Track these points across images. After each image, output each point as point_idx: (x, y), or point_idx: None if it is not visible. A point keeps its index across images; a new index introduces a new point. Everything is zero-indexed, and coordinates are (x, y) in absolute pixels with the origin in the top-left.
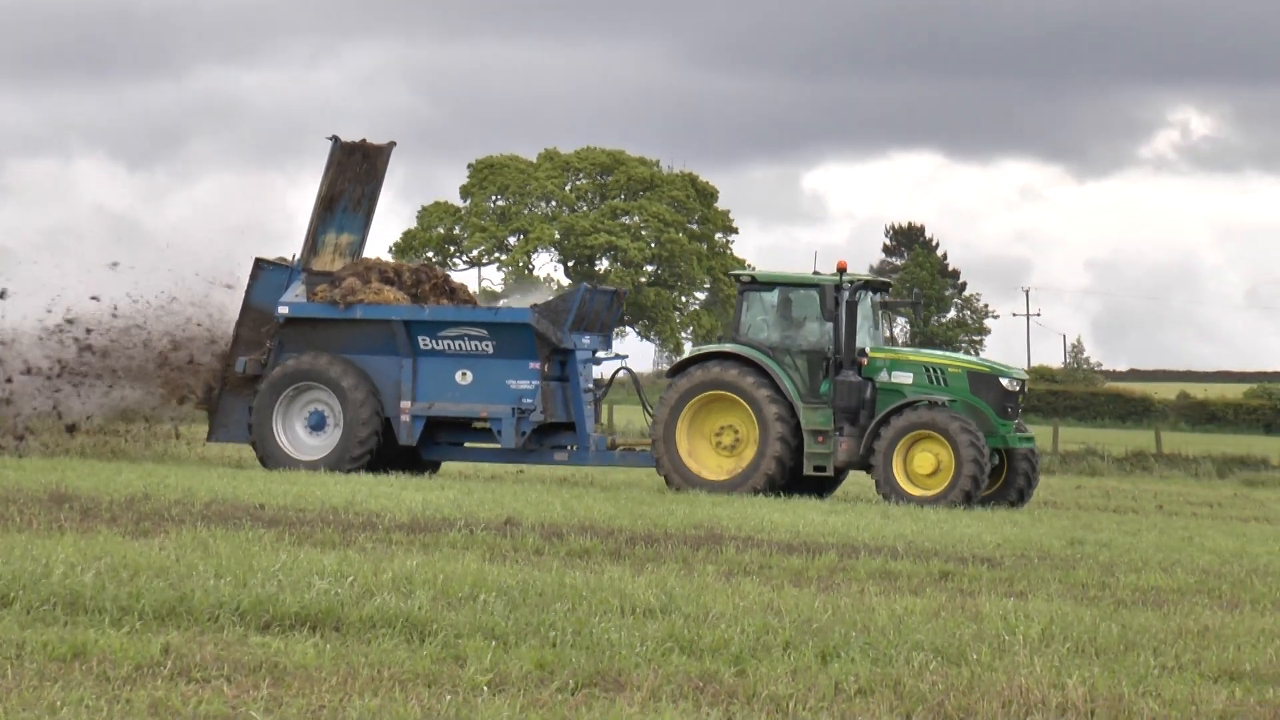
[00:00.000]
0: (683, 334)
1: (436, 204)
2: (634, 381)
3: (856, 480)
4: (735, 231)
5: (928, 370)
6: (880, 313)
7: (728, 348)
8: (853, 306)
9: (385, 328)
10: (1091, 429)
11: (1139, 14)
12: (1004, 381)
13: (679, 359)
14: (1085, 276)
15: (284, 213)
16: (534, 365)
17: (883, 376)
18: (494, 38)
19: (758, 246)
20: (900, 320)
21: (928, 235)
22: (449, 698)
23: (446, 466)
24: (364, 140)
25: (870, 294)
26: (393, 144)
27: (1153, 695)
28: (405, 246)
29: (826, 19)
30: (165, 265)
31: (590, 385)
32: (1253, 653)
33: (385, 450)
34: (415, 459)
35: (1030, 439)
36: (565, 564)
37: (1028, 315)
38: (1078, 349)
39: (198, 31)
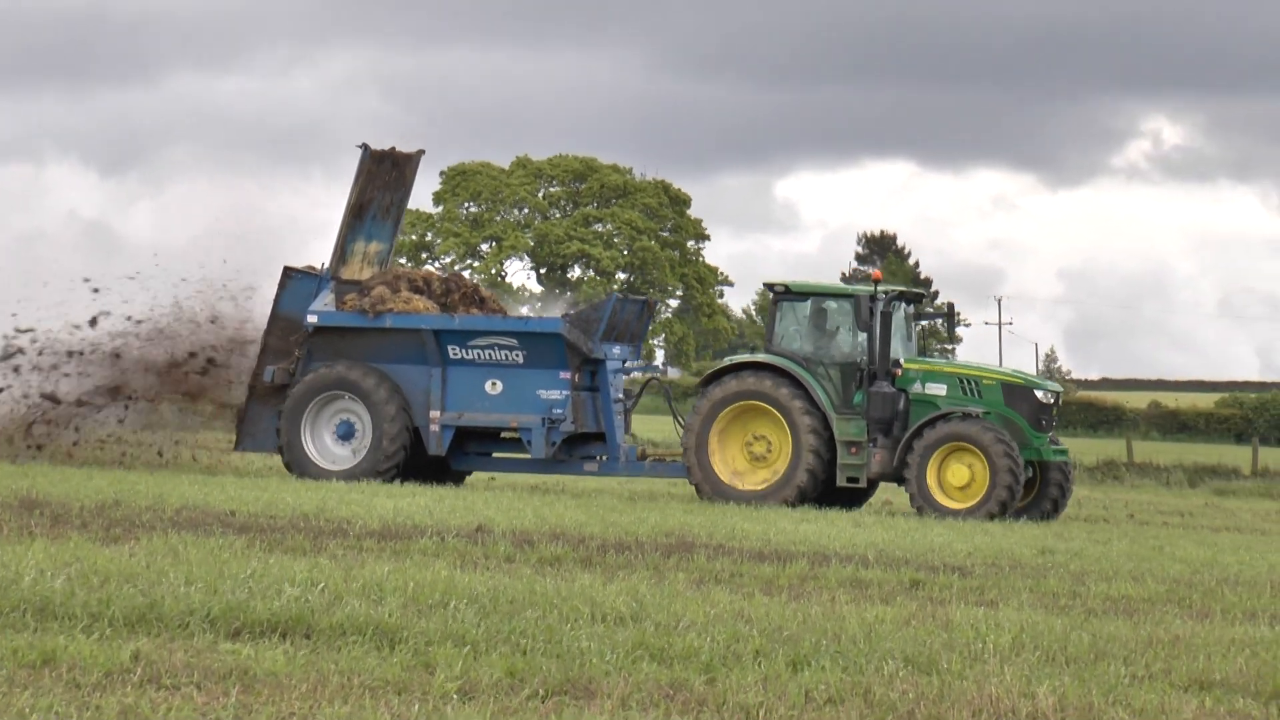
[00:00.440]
0: (654, 341)
1: (409, 210)
2: (665, 392)
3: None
4: (707, 239)
5: (961, 382)
6: (912, 324)
7: (761, 358)
8: (887, 317)
9: (415, 337)
10: (1063, 438)
11: (1111, 24)
12: (1038, 394)
13: (711, 369)
14: (1057, 285)
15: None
16: (564, 375)
17: (916, 388)
18: (467, 45)
19: (730, 254)
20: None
21: (900, 244)
22: (419, 705)
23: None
24: (393, 148)
25: (904, 304)
26: (422, 151)
27: (1123, 704)
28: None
29: (800, 27)
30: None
31: (620, 395)
32: (1223, 662)
33: (414, 460)
34: (444, 469)
35: (1064, 451)
36: (536, 571)
37: (1000, 324)
38: (1050, 358)
39: (173, 38)
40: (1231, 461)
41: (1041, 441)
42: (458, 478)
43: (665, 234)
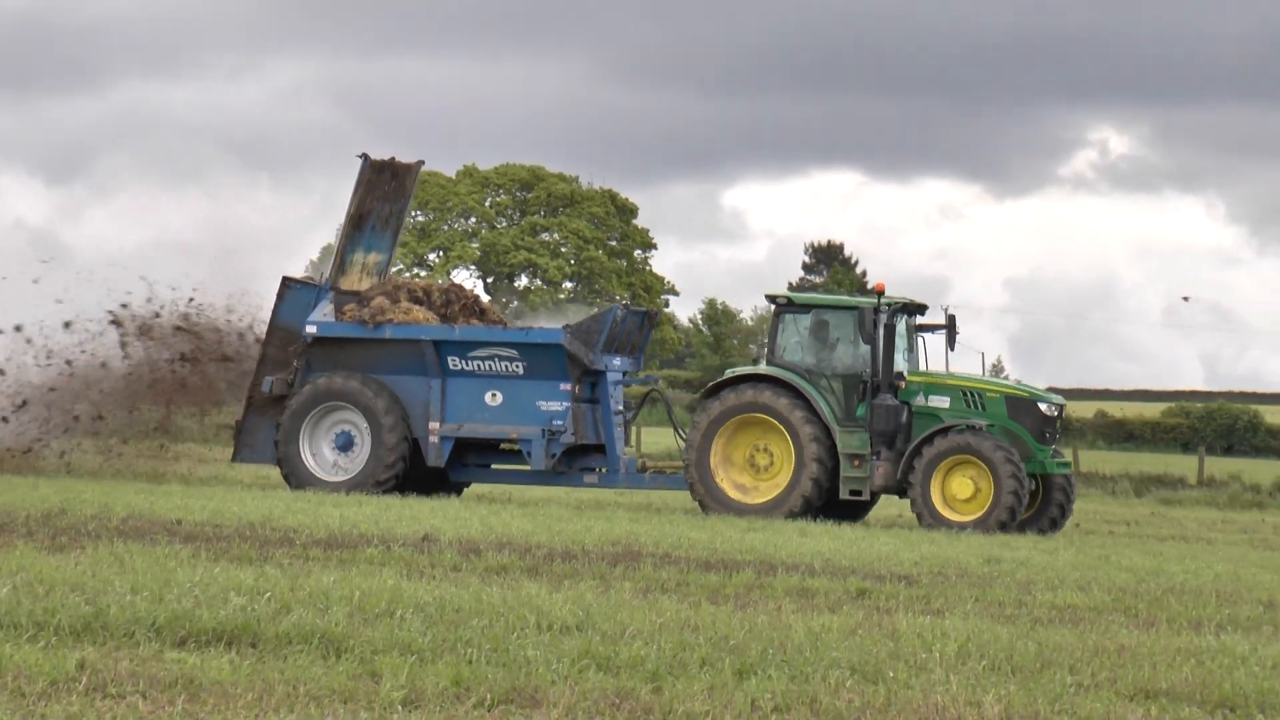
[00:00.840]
0: None
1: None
2: (665, 404)
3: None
4: (654, 248)
5: (965, 394)
6: (914, 335)
7: (763, 370)
8: (891, 329)
9: (414, 348)
10: None
11: (1058, 34)
12: (1042, 407)
13: (713, 381)
14: (1004, 295)
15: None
16: (565, 386)
17: (919, 400)
18: (414, 53)
19: (677, 264)
20: None
21: (847, 253)
22: (365, 714)
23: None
24: (393, 158)
25: (905, 316)
26: (421, 162)
27: (1069, 713)
28: (324, 261)
29: (748, 37)
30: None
31: (620, 407)
32: (1168, 671)
33: (412, 472)
34: (443, 481)
35: (1067, 464)
36: (482, 580)
37: (947, 332)
38: (996, 367)
39: (120, 45)
40: (1178, 471)
41: (1045, 454)
42: (456, 489)
43: (612, 243)
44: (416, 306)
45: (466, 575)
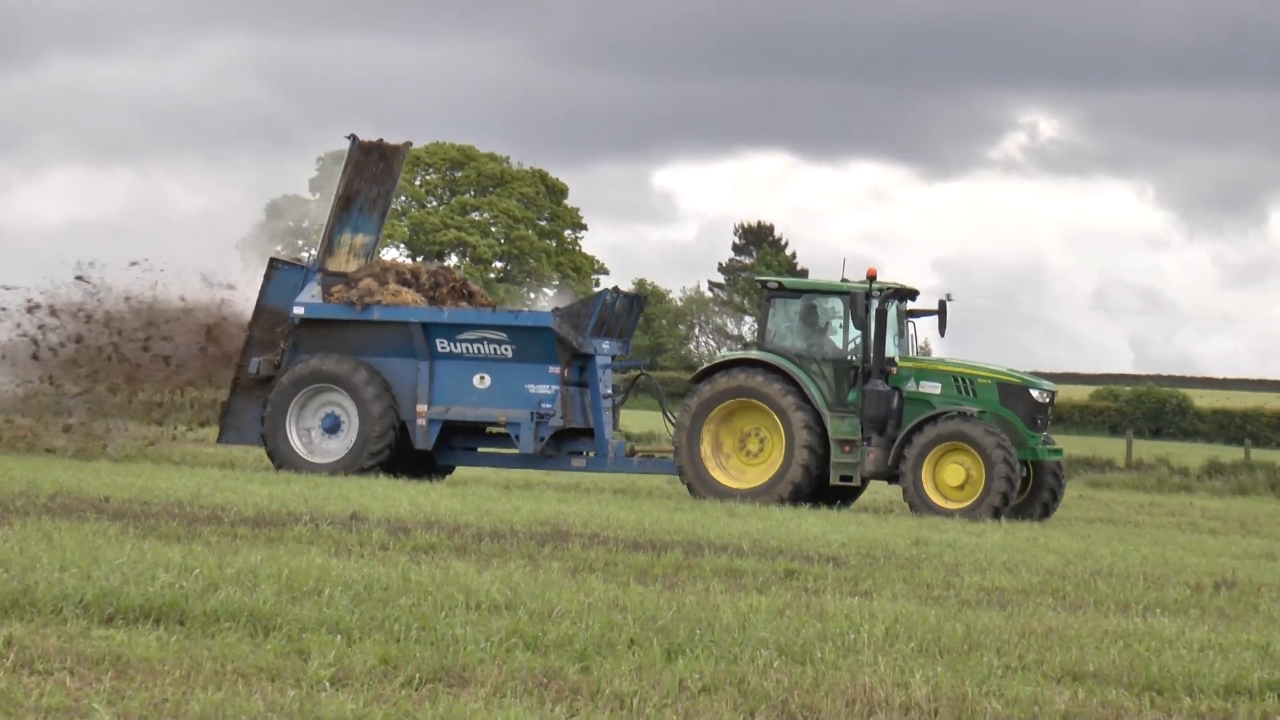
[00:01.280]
0: None
1: (286, 197)
2: (654, 388)
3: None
4: (584, 228)
5: (956, 380)
6: (905, 321)
7: (753, 354)
8: (882, 315)
9: (403, 330)
10: None
11: (989, 17)
12: (1034, 393)
13: (703, 366)
14: (933, 277)
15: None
16: (554, 370)
17: (910, 386)
18: (345, 32)
19: (607, 244)
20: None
21: (777, 234)
22: (292, 692)
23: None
24: (381, 140)
25: (896, 302)
26: (409, 144)
27: (996, 695)
28: (252, 241)
29: (678, 18)
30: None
31: (609, 391)
32: (1096, 654)
33: (399, 455)
34: (429, 464)
35: (1059, 451)
36: (411, 559)
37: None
38: (924, 350)
39: (49, 23)
40: (1106, 454)
41: (1036, 441)
42: (443, 473)
43: (542, 223)
44: (405, 289)
45: (395, 554)
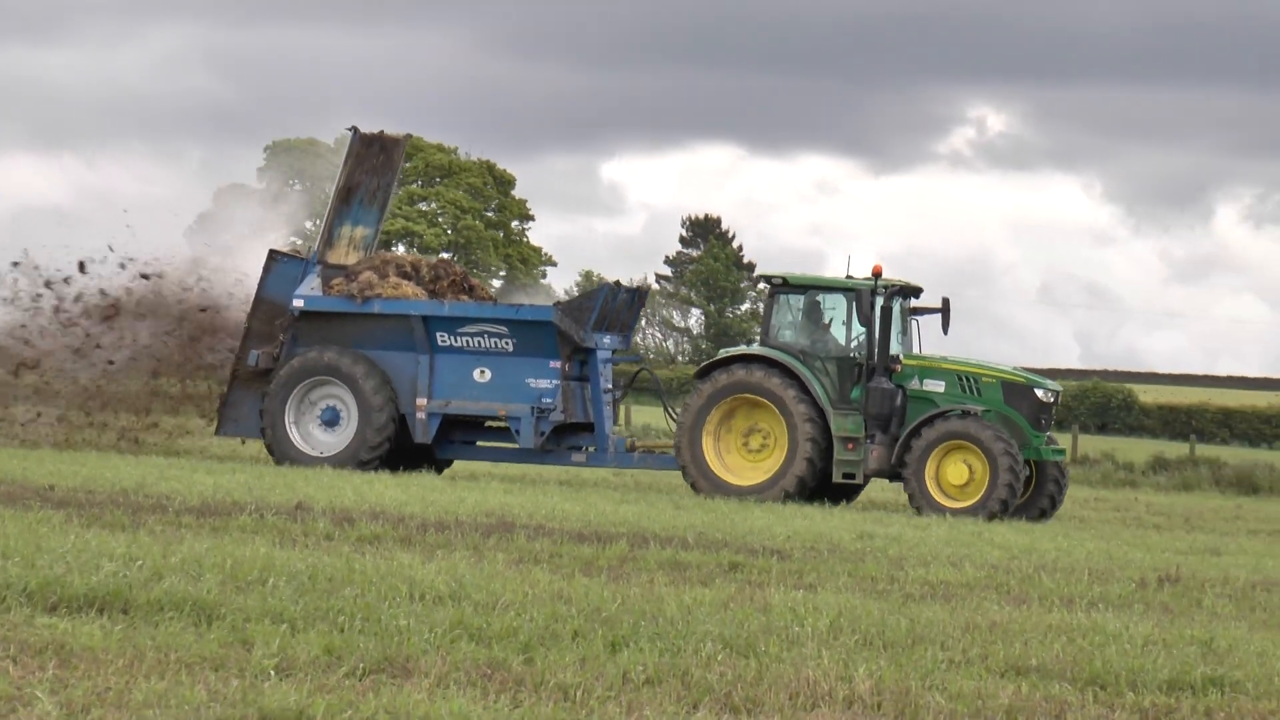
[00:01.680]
0: None
1: (233, 186)
2: (655, 383)
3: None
4: (532, 219)
5: (960, 379)
6: (908, 318)
7: (756, 350)
8: (887, 312)
9: (403, 323)
10: None
11: (938, 11)
12: (1038, 393)
13: (705, 361)
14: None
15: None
16: (555, 364)
17: (914, 384)
18: (293, 21)
19: (554, 236)
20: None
21: (724, 227)
22: (236, 682)
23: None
24: (382, 131)
25: (900, 299)
26: (409, 136)
27: (939, 689)
28: (200, 229)
29: (628, 9)
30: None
31: (610, 385)
32: (1040, 648)
33: (398, 448)
34: (429, 458)
35: (1061, 451)
36: (355, 549)
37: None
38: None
39: None
40: None
41: (1040, 441)
42: (441, 467)
43: (489, 214)
44: (405, 281)
45: (339, 544)
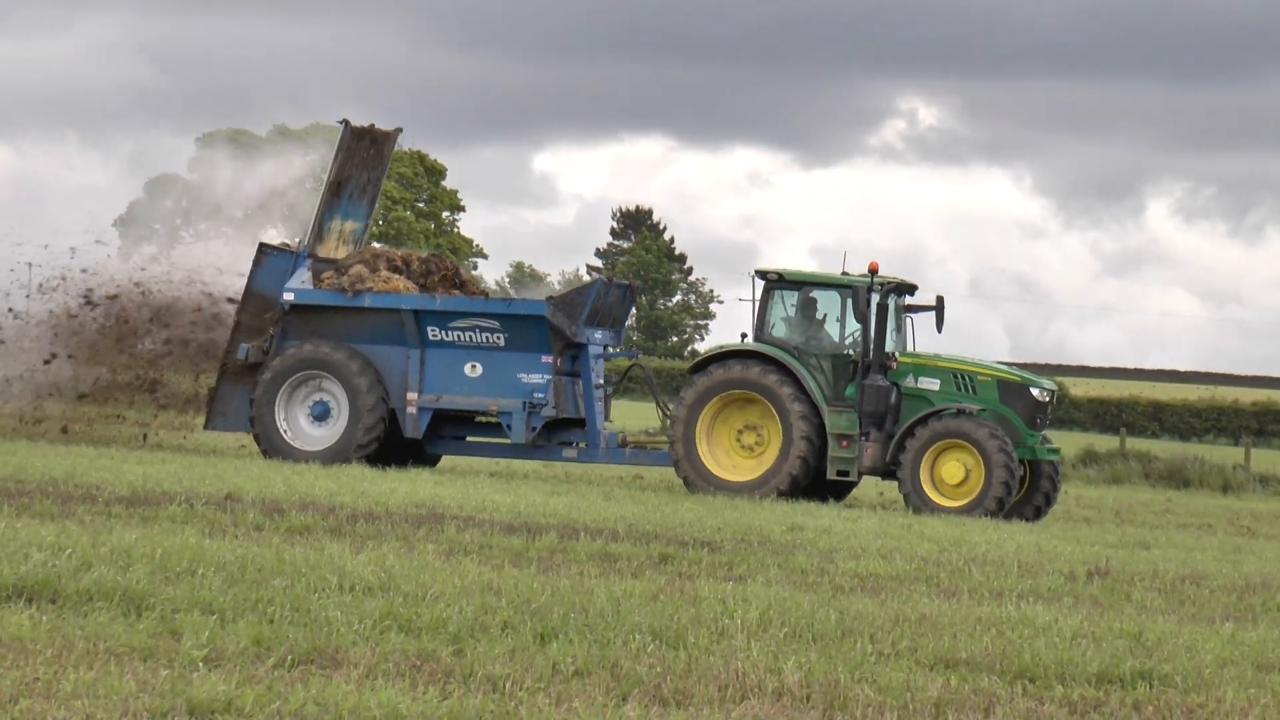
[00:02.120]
0: None
1: (164, 176)
2: (648, 378)
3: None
4: (463, 210)
5: (956, 377)
6: (903, 316)
7: (750, 346)
8: (883, 309)
9: (394, 317)
10: None
11: (868, 4)
12: (1034, 392)
13: (699, 357)
14: (811, 263)
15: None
16: (547, 359)
17: (908, 382)
18: (225, 11)
19: (486, 227)
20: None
21: (655, 219)
22: (165, 672)
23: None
24: (373, 125)
25: (895, 296)
26: (399, 130)
27: (868, 681)
28: (130, 219)
29: (561, 1)
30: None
31: (601, 381)
32: (969, 641)
33: (387, 442)
34: (418, 452)
35: (1056, 451)
36: (285, 540)
37: (754, 300)
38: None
39: None
40: None
41: (1035, 440)
42: (431, 461)
43: (420, 204)
44: (396, 275)
45: (269, 535)
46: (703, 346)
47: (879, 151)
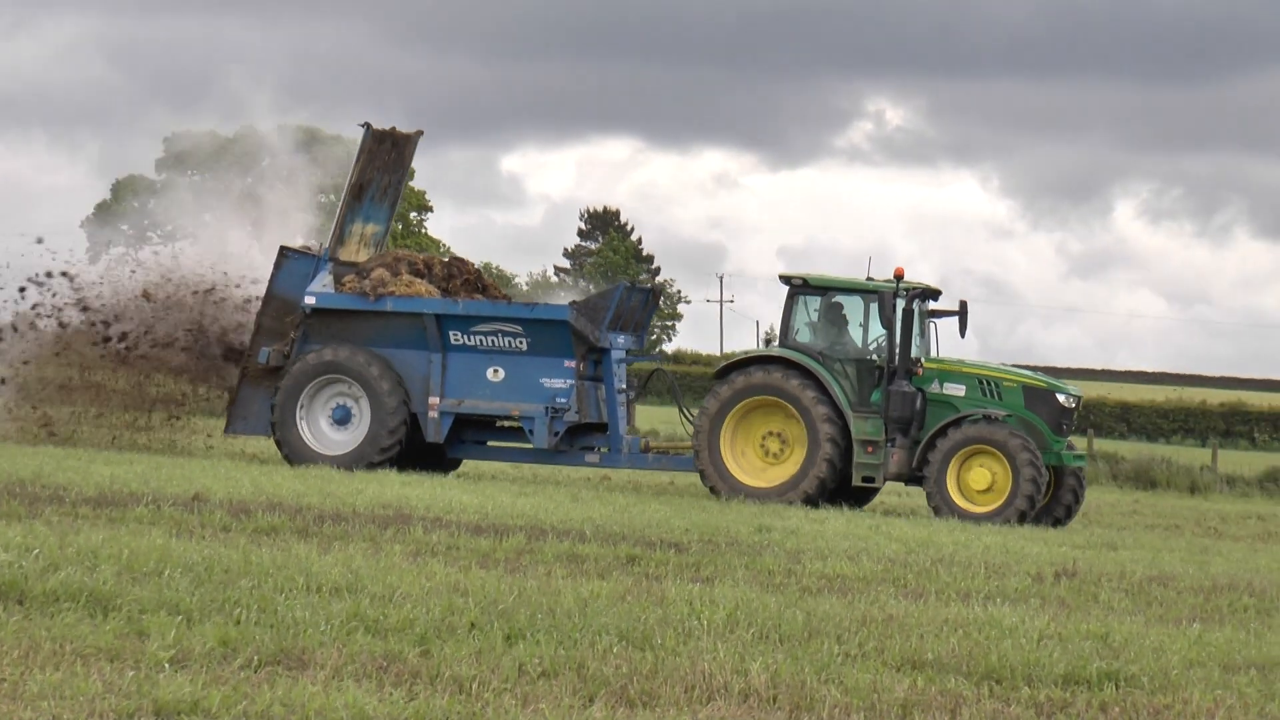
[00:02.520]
0: None
1: (132, 177)
2: (671, 383)
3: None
4: (431, 211)
5: (981, 383)
6: (926, 321)
7: (775, 352)
8: (909, 314)
9: (415, 321)
10: None
11: (835, 5)
12: (1060, 398)
13: (724, 363)
14: (778, 264)
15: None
16: (569, 364)
17: (934, 388)
18: (191, 12)
19: (453, 228)
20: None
21: (623, 220)
22: (131, 673)
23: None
24: (394, 128)
25: (919, 302)
26: (420, 132)
27: (835, 682)
28: (100, 220)
29: (528, 1)
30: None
31: (624, 385)
32: (935, 642)
33: (409, 447)
34: (439, 457)
35: (1081, 457)
36: (252, 541)
37: (721, 301)
38: (770, 336)
39: None
40: None
41: (1060, 446)
42: (451, 466)
43: None
44: (418, 279)
45: (236, 535)
46: (670, 348)
47: (846, 153)
